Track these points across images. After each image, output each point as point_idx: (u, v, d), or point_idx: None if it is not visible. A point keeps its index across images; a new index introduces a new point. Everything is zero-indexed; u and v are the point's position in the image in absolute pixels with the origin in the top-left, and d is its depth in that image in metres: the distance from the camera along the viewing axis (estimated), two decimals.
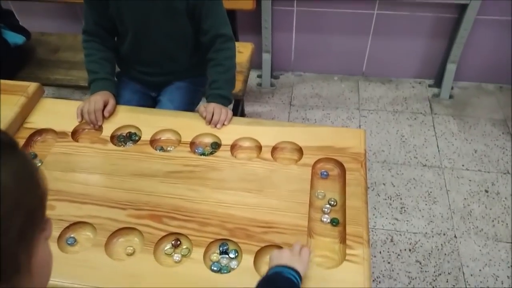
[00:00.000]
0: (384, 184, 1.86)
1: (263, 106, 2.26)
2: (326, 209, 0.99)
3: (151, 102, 1.47)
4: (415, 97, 2.30)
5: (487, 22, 2.07)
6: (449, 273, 1.57)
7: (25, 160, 0.44)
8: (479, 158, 1.96)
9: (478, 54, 2.21)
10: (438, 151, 2.00)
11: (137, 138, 1.16)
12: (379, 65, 2.35)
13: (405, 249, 1.64)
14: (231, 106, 1.39)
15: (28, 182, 0.43)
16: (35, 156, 1.13)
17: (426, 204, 1.78)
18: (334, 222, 0.96)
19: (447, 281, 1.54)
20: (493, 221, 1.72)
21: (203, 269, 0.87)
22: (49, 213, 0.47)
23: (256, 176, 1.04)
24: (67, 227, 0.95)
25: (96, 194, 1.01)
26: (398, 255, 1.62)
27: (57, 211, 0.97)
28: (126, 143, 1.16)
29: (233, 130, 1.16)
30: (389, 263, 1.60)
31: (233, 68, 1.31)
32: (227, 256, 0.90)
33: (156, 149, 1.13)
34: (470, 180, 1.87)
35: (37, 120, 1.21)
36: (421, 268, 1.58)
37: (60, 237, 0.93)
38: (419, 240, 1.66)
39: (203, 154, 1.12)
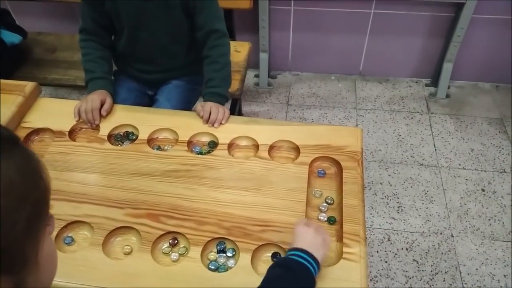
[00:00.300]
0: (381, 183, 1.87)
1: (261, 106, 2.26)
2: (323, 208, 0.99)
3: (148, 100, 1.47)
4: (412, 96, 2.30)
5: (484, 21, 2.08)
6: (446, 272, 1.57)
7: (28, 154, 0.44)
8: (476, 157, 1.97)
9: (475, 53, 2.22)
10: (435, 150, 2.01)
11: (134, 137, 1.16)
12: (376, 65, 2.36)
13: (402, 248, 1.64)
14: (228, 105, 1.39)
15: (32, 175, 0.44)
16: None
17: (423, 203, 1.79)
18: (331, 221, 0.96)
19: (444, 280, 1.55)
20: (489, 220, 1.73)
21: (200, 268, 0.88)
22: None
23: (253, 174, 1.04)
24: (65, 227, 0.95)
25: (93, 193, 1.01)
26: (395, 254, 1.63)
27: (55, 210, 0.96)
28: (123, 142, 1.16)
29: (230, 129, 1.16)
30: (386, 262, 1.61)
31: (228, 65, 1.31)
32: (224, 254, 0.90)
33: (153, 148, 1.13)
34: (466, 179, 1.88)
35: (34, 120, 1.20)
36: (418, 267, 1.59)
37: (57, 236, 0.93)
38: (416, 239, 1.67)
39: (200, 153, 1.12)
